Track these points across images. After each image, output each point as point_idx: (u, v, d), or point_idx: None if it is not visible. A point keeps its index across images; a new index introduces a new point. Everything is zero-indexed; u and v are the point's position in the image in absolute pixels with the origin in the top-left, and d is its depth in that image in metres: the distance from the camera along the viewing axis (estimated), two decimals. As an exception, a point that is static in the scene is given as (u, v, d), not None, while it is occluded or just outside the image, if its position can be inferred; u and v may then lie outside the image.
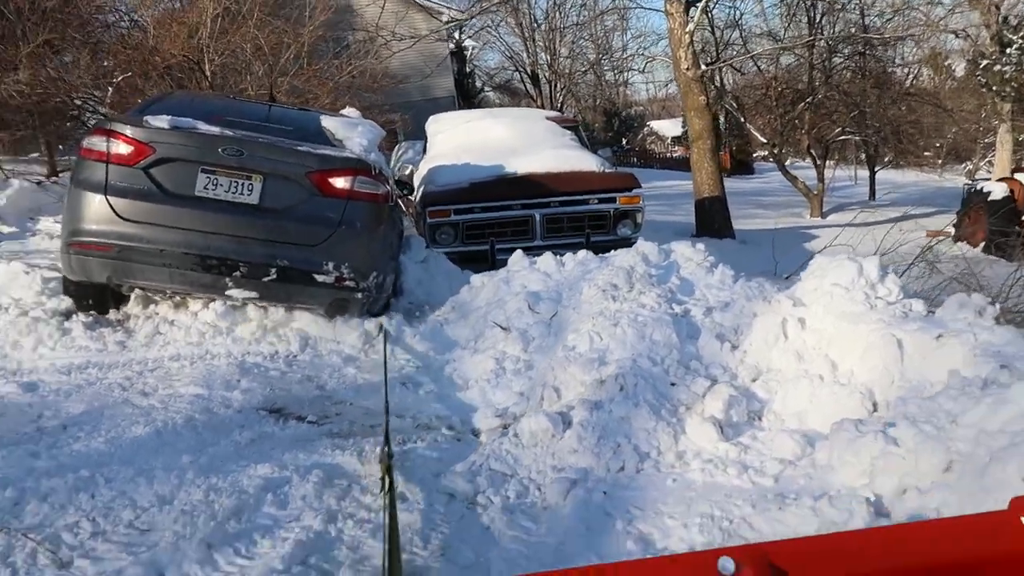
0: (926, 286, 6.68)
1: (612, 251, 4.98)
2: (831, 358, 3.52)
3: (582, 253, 4.93)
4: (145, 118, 4.66)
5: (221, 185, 4.54)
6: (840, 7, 19.61)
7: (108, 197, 4.42)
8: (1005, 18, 25.75)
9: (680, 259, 4.66)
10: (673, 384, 3.45)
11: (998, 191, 13.99)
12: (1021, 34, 24.06)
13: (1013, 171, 15.86)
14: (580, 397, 3.33)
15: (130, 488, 2.90)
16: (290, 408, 3.88)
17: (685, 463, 3.07)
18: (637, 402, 3.26)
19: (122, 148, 4.48)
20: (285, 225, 4.58)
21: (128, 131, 4.52)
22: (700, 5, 12.68)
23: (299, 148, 4.71)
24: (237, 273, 4.53)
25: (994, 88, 25.31)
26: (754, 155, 39.47)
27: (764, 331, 3.75)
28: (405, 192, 6.89)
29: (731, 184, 30.26)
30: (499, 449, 3.18)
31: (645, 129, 48.81)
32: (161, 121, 4.57)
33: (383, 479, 2.40)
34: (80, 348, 4.47)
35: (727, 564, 1.02)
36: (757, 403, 3.47)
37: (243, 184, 4.56)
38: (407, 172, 9.28)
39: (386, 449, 2.54)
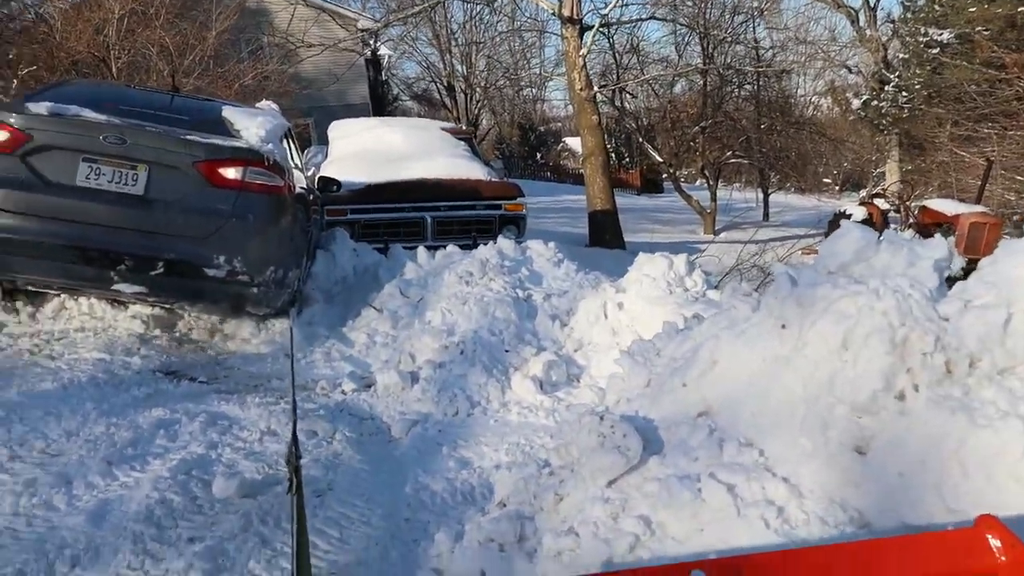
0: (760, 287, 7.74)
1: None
2: (638, 332, 4.36)
3: (450, 247, 5.65)
4: (27, 104, 4.48)
5: (104, 175, 4.36)
6: (731, 40, 21.14)
7: None
8: (885, 58, 28.08)
9: (534, 255, 5.47)
10: (507, 351, 4.24)
11: (858, 214, 15.49)
12: (896, 73, 26.31)
13: (872, 196, 17.51)
14: (428, 360, 4.06)
15: (41, 425, 3.47)
16: (184, 371, 4.46)
17: (507, 409, 3.86)
18: (474, 363, 4.02)
19: None
20: (172, 217, 4.42)
21: (3, 117, 4.33)
22: (593, 31, 13.71)
23: (187, 137, 4.56)
24: (122, 267, 4.40)
25: (874, 122, 27.55)
26: (663, 175, 41.28)
27: (588, 312, 4.57)
28: (335, 189, 7.17)
29: (638, 201, 31.65)
30: (358, 399, 3.90)
31: (560, 146, 50.09)
32: (40, 107, 4.40)
33: (290, 480, 2.78)
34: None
35: None
36: (576, 368, 4.28)
37: (127, 174, 4.39)
38: (309, 173, 9.82)
39: (293, 450, 2.95)
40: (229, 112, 5.28)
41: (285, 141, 5.82)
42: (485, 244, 7.94)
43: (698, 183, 33.04)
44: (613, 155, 38.84)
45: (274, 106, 6.71)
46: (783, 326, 2.35)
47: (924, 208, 15.28)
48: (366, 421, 3.75)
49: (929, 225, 14.84)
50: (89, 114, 4.48)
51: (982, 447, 1.86)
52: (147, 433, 3.47)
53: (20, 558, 2.48)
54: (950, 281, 2.43)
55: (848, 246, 2.43)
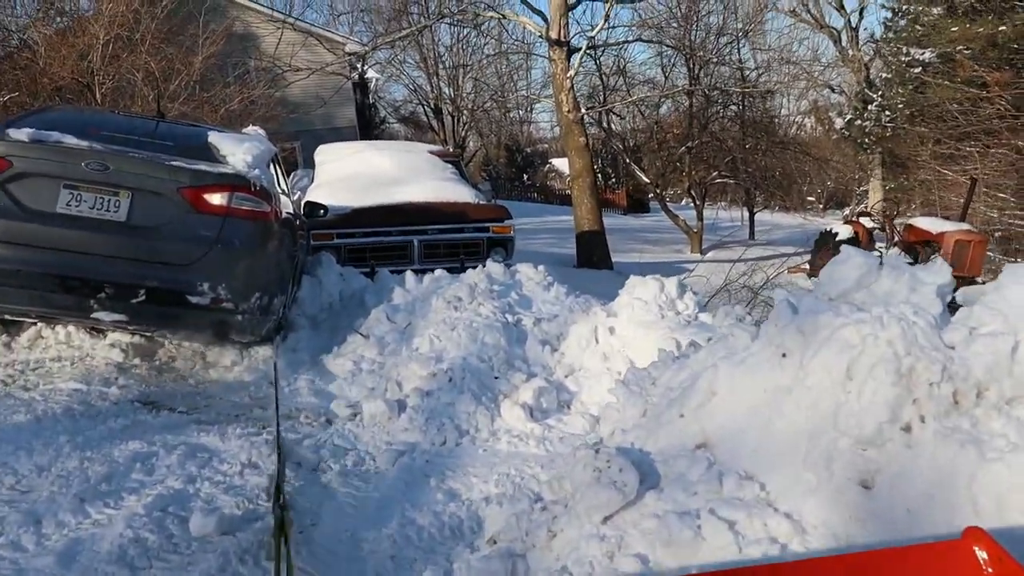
0: (751, 307, 7.71)
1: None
2: (630, 357, 4.27)
3: (438, 271, 5.56)
4: (7, 131, 4.41)
5: (85, 201, 4.29)
6: (716, 61, 21.31)
7: None
8: (868, 77, 28.41)
9: (523, 278, 5.38)
10: (496, 377, 4.13)
11: (844, 232, 15.58)
12: (879, 93, 26.61)
13: (858, 215, 17.60)
14: (415, 387, 3.95)
15: (11, 460, 3.33)
16: (163, 401, 4.33)
17: (497, 438, 3.75)
18: (462, 390, 3.92)
19: None
20: (155, 244, 4.34)
21: None
22: (580, 54, 13.75)
23: (171, 163, 4.48)
24: (102, 295, 4.30)
25: (857, 140, 27.82)
26: (649, 196, 41.48)
27: (579, 337, 4.48)
28: (321, 214, 7.09)
29: (624, 221, 31.75)
30: (343, 429, 3.79)
31: (546, 167, 50.27)
32: (21, 134, 4.33)
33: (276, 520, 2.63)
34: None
35: None
36: (567, 394, 4.18)
37: (109, 200, 4.32)
38: (296, 197, 9.74)
39: (280, 501, 2.80)
40: (215, 138, 5.21)
41: (272, 166, 5.74)
42: (473, 267, 7.90)
43: (683, 203, 33.20)
44: (599, 175, 39.00)
45: (261, 131, 6.64)
46: (784, 355, 2.27)
47: (909, 226, 15.36)
48: (351, 452, 3.63)
49: (915, 243, 14.91)
50: (71, 140, 4.41)
51: (993, 482, 1.78)
52: (123, 467, 3.34)
53: (-17, 605, 2.36)
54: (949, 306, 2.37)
55: (849, 272, 2.36)
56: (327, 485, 3.31)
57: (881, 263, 2.38)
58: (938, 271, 2.29)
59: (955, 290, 2.45)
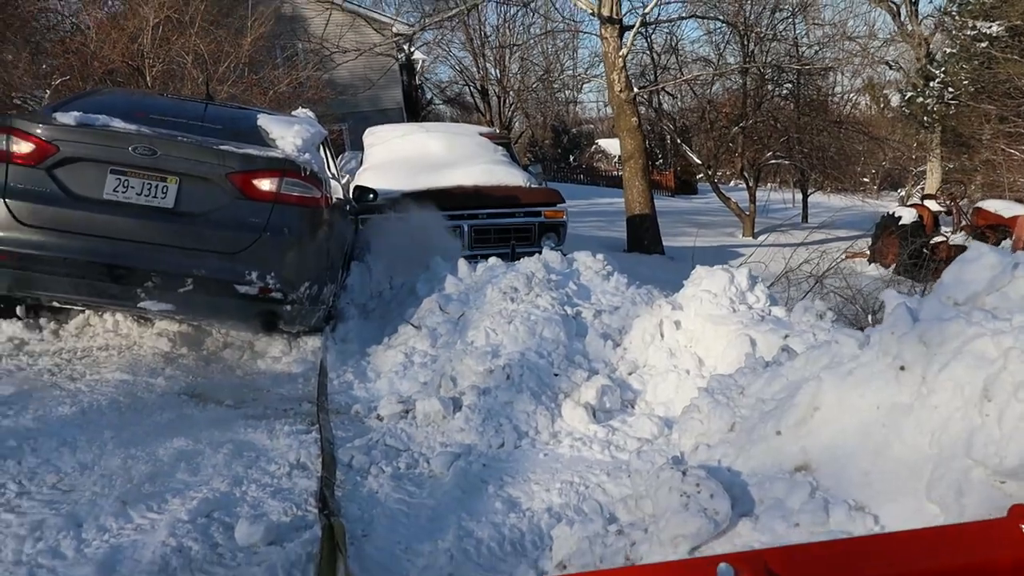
0: (813, 297, 7.32)
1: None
2: (698, 354, 4.00)
3: (492, 260, 5.33)
4: (54, 115, 4.35)
5: (132, 187, 4.21)
6: (772, 37, 20.61)
7: (6, 200, 4.07)
8: (929, 53, 27.30)
9: (581, 267, 5.12)
10: (556, 375, 3.89)
11: (908, 216, 14.90)
12: (942, 69, 25.54)
13: (923, 198, 16.85)
14: (471, 384, 3.73)
15: (54, 456, 3.21)
16: (210, 394, 4.19)
17: (558, 441, 3.51)
18: (521, 389, 3.68)
19: (22, 147, 4.13)
20: (203, 231, 4.25)
21: (29, 128, 4.17)
22: (633, 31, 13.32)
23: (219, 147, 4.37)
24: (149, 284, 4.21)
25: (918, 118, 26.78)
26: (698, 176, 40.71)
27: (643, 331, 4.21)
28: (371, 199, 6.93)
29: (673, 203, 31.18)
30: (395, 428, 3.58)
31: (592, 147, 49.71)
32: (67, 117, 4.25)
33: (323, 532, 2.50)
34: (9, 337, 4.66)
35: (726, 570, 1.04)
36: (631, 393, 3.92)
37: (156, 186, 4.24)
38: (344, 181, 9.61)
39: (327, 508, 2.69)
40: (264, 120, 5.11)
41: (322, 150, 5.58)
42: (525, 254, 7.67)
43: (732, 184, 32.42)
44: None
45: (310, 114, 6.51)
46: (902, 368, 1.98)
47: (978, 209, 14.64)
48: (404, 453, 3.42)
49: (984, 227, 14.20)
50: (118, 124, 4.32)
51: None
52: (167, 466, 3.19)
53: (19, 620, 2.21)
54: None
55: (980, 273, 2.05)
56: (379, 490, 3.11)
57: (1016, 263, 2.06)
58: (1084, 271, 1.97)
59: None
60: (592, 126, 52.55)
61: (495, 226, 7.97)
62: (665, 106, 23.40)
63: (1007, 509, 1.28)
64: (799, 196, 28.77)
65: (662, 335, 4.18)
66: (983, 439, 1.73)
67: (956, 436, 1.79)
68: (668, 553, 1.98)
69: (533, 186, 8.51)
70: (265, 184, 4.39)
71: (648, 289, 4.92)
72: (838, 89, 31.87)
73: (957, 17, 24.10)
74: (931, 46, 27.67)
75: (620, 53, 13.25)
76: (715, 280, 4.32)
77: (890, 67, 31.19)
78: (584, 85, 37.68)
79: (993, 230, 13.52)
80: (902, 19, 28.92)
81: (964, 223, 14.84)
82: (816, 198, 28.84)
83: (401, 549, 2.72)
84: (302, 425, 3.77)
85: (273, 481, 3.15)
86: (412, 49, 28.62)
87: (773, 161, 23.57)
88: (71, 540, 2.62)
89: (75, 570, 2.47)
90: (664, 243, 14.93)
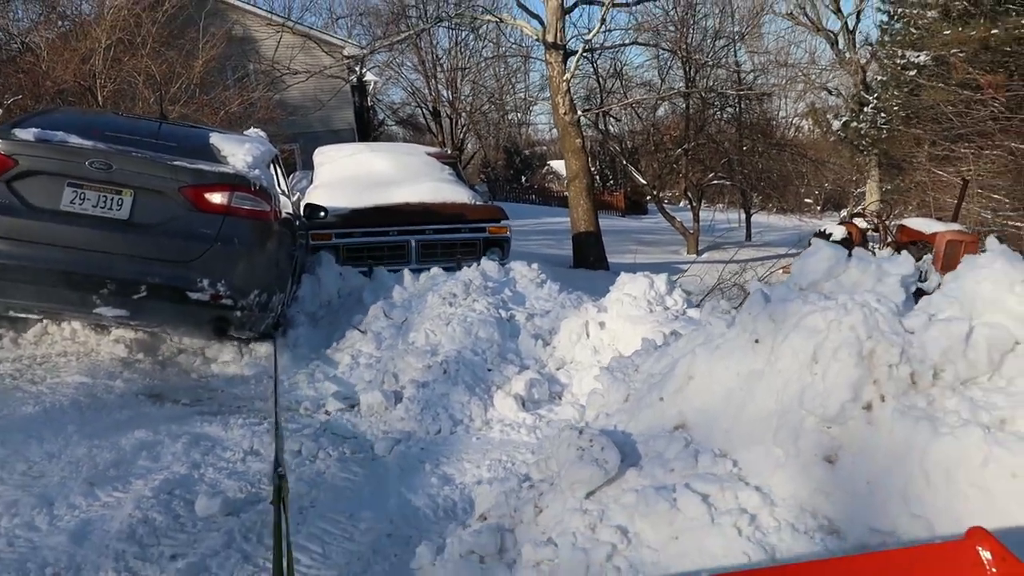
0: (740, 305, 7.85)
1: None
2: (618, 350, 4.41)
3: (435, 269, 5.69)
4: (13, 130, 4.52)
5: (89, 200, 4.38)
6: (713, 64, 21.46)
7: None
8: (864, 80, 28.58)
9: (517, 276, 5.52)
10: (490, 370, 4.28)
11: (838, 233, 15.68)
12: (875, 95, 26.77)
13: (852, 216, 17.72)
14: (411, 379, 4.09)
15: (23, 448, 3.47)
16: (167, 394, 4.47)
17: (489, 427, 3.89)
18: (456, 382, 4.06)
19: None
20: (156, 241, 4.44)
21: None
22: (576, 57, 13.90)
23: (172, 163, 4.57)
24: (104, 291, 4.38)
25: (853, 142, 27.98)
26: (647, 197, 41.61)
27: (570, 331, 4.63)
28: (322, 216, 7.19)
29: (622, 223, 31.84)
30: (342, 420, 3.93)
31: (545, 168, 50.36)
32: (27, 133, 4.44)
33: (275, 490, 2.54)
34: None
35: None
36: (559, 386, 4.33)
37: (112, 199, 4.41)
38: (295, 198, 9.87)
39: (279, 471, 2.73)
40: (216, 139, 5.32)
41: (272, 167, 5.85)
42: (469, 267, 8.03)
43: (681, 204, 33.34)
44: (597, 177, 39.08)
45: (262, 133, 6.76)
46: (756, 341, 2.40)
47: (902, 227, 15.47)
48: (349, 440, 3.77)
49: (907, 243, 15.02)
50: (75, 140, 4.50)
51: (944, 455, 1.92)
52: (129, 454, 3.48)
53: (1, 578, 2.49)
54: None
55: (819, 264, 2.50)
56: (326, 471, 3.45)
57: (850, 255, 2.52)
58: (902, 263, 2.43)
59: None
60: (545, 147, 53.19)
61: (441, 241, 8.30)
62: (612, 129, 24.10)
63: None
64: (743, 216, 29.76)
65: (588, 334, 4.60)
66: (812, 393, 2.16)
67: (793, 392, 2.21)
68: (568, 498, 2.36)
69: (478, 203, 8.89)
70: (216, 197, 4.59)
71: (578, 295, 5.34)
72: (782, 114, 33.08)
73: (888, 46, 25.32)
74: (867, 74, 28.94)
75: (564, 78, 13.80)
76: (636, 285, 4.76)
77: (830, 93, 32.50)
78: (535, 107, 38.40)
79: (915, 246, 14.34)
80: (840, 47, 30.28)
81: (890, 239, 15.67)
82: (760, 218, 29.81)
83: (346, 517, 3.06)
84: (255, 419, 4.07)
85: (229, 465, 3.46)
86: (363, 71, 28.92)
87: (716, 182, 24.40)
88: (44, 516, 2.92)
89: (50, 539, 2.76)
90: (610, 260, 15.43)
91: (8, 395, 4.21)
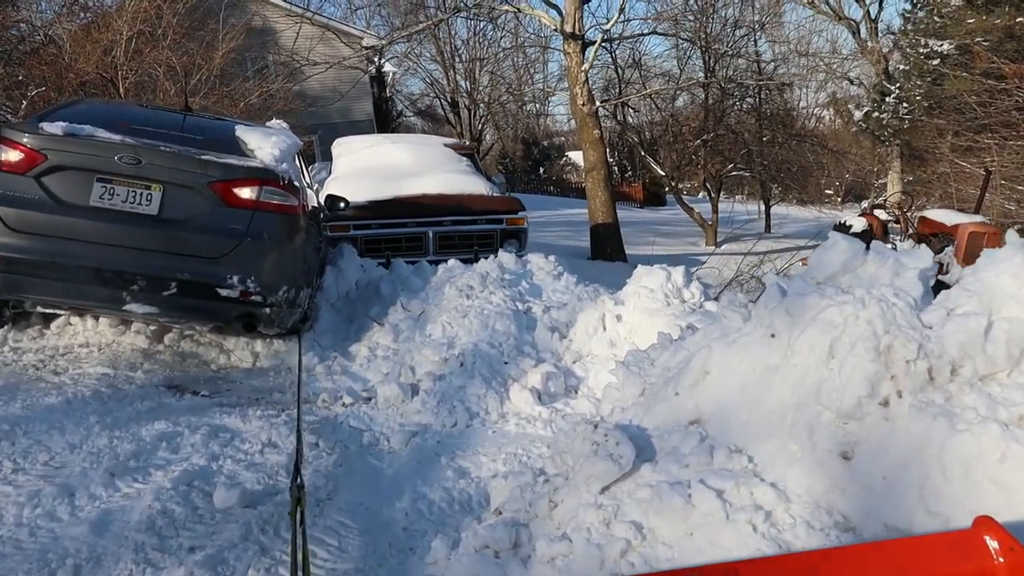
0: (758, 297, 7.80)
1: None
2: (635, 343, 4.40)
3: (452, 261, 5.70)
4: (40, 124, 4.49)
5: (118, 195, 4.36)
6: (732, 54, 21.28)
7: None
8: (886, 69, 28.21)
9: (534, 268, 5.52)
10: (506, 363, 4.28)
11: (858, 224, 15.50)
12: (897, 84, 26.42)
13: (872, 207, 17.52)
14: (428, 372, 4.11)
15: (44, 438, 3.52)
16: (187, 385, 4.52)
17: (505, 420, 3.90)
18: (473, 375, 4.07)
19: (11, 155, 4.29)
20: (186, 237, 4.42)
21: (18, 137, 4.33)
22: (595, 47, 13.83)
23: (201, 157, 4.54)
24: (134, 287, 4.36)
25: (875, 133, 27.64)
26: (666, 188, 41.40)
27: (587, 324, 4.62)
28: (342, 207, 7.21)
29: (641, 215, 31.70)
30: (359, 412, 3.95)
31: (563, 160, 50.20)
32: (55, 127, 4.40)
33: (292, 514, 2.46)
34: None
35: None
36: (575, 379, 4.32)
37: (141, 194, 4.39)
38: (314, 190, 9.91)
39: (298, 481, 2.68)
40: (242, 131, 5.29)
41: (297, 159, 5.86)
42: (486, 258, 8.03)
43: (700, 196, 33.15)
44: (616, 169, 38.98)
45: (284, 125, 6.74)
46: (772, 335, 2.39)
47: (923, 218, 15.28)
48: (366, 432, 3.80)
49: (928, 235, 14.85)
50: (103, 134, 4.48)
51: (961, 451, 1.90)
52: (149, 445, 3.52)
53: (23, 568, 2.53)
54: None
55: (836, 257, 2.48)
56: (343, 463, 3.47)
57: (868, 249, 2.50)
58: (920, 256, 2.41)
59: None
60: (563, 139, 52.99)
61: (458, 232, 8.32)
62: (630, 119, 23.97)
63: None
64: (763, 207, 29.53)
65: (604, 327, 4.59)
66: (828, 388, 2.14)
67: (809, 387, 2.20)
68: (583, 493, 2.37)
69: (495, 195, 8.89)
70: (245, 192, 4.56)
71: (595, 287, 5.33)
72: (802, 104, 32.75)
73: (911, 35, 24.95)
74: (889, 63, 28.55)
75: (582, 68, 13.73)
76: (653, 277, 4.74)
77: (851, 83, 32.12)
78: (553, 98, 38.22)
79: (937, 237, 14.16)
80: (862, 36, 29.91)
81: (911, 231, 15.49)
82: (780, 209, 29.58)
83: (362, 510, 3.08)
84: (272, 411, 4.11)
85: (247, 457, 3.50)
86: (382, 62, 28.93)
87: (735, 173, 24.23)
88: (66, 506, 2.96)
89: (71, 530, 2.80)
90: (628, 251, 15.38)
91: (31, 386, 4.28)
